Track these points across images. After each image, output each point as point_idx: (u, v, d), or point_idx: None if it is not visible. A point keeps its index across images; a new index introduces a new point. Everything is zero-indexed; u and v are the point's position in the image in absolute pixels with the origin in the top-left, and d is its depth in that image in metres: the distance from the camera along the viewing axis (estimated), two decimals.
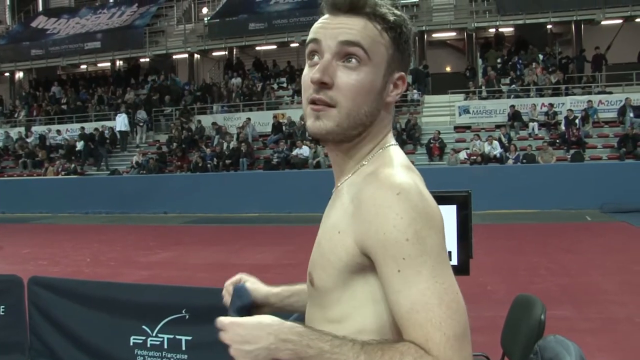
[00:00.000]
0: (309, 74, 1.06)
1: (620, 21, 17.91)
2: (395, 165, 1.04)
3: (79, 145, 19.15)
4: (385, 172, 1.01)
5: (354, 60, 1.03)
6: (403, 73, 1.09)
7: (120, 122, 18.92)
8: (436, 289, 0.92)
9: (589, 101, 15.55)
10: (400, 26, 1.07)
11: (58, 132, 20.11)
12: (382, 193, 0.96)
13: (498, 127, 15.81)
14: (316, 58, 1.07)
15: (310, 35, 1.08)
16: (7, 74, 24.66)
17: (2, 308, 4.01)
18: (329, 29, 1.05)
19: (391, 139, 1.12)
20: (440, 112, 17.22)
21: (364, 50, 1.03)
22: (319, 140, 1.10)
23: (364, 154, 1.10)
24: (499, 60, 18.40)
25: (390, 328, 1.01)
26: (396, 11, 1.08)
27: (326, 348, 0.94)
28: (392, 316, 0.98)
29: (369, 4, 1.05)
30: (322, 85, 1.03)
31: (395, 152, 1.09)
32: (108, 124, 19.41)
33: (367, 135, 1.09)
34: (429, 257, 0.93)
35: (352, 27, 1.04)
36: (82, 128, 19.58)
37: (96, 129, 19.22)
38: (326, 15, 1.08)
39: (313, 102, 1.05)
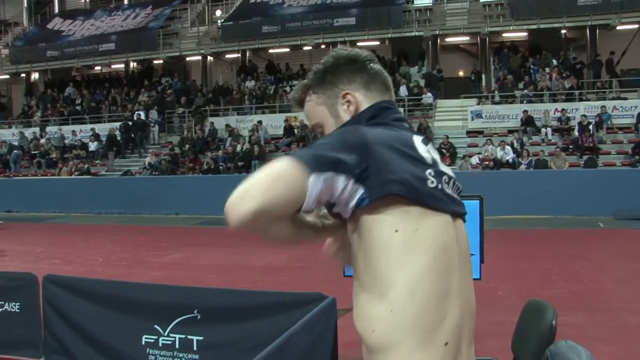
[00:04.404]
0: None
1: (636, 26, 17.73)
2: None
3: (92, 146, 19.40)
4: None
5: (319, 131, 1.44)
6: (345, 90, 1.40)
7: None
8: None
9: (603, 106, 15.43)
10: (321, 70, 1.42)
11: (73, 132, 20.31)
12: None
13: (511, 132, 15.73)
14: None
15: None
16: (23, 75, 24.96)
17: (18, 305, 4.07)
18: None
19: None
20: (452, 116, 17.18)
21: (316, 124, 1.44)
22: None
23: None
24: (506, 71, 18.29)
25: None
26: (323, 60, 1.43)
27: None
28: None
29: (300, 95, 1.46)
30: None
31: None
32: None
33: None
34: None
35: (306, 116, 1.47)
36: (93, 129, 19.87)
37: (130, 118, 19.66)
38: None
39: None
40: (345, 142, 1.19)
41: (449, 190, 1.29)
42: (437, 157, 1.33)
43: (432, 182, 1.24)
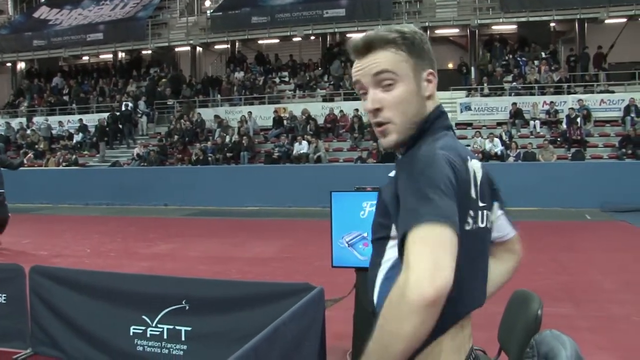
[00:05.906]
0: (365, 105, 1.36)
1: (624, 20, 17.84)
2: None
3: (77, 137, 19.24)
4: None
5: (387, 82, 1.30)
6: (430, 69, 1.34)
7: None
8: None
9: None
10: (410, 39, 1.32)
11: (60, 123, 20.10)
12: None
13: (499, 124, 15.80)
14: (367, 94, 1.34)
15: (353, 79, 1.37)
16: (8, 64, 24.64)
17: (4, 297, 4.04)
18: (362, 69, 1.33)
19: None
20: None
21: (391, 72, 1.30)
22: (394, 150, 1.38)
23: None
24: (496, 64, 18.30)
25: None
26: (404, 28, 1.33)
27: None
28: None
29: (378, 41, 1.31)
30: (376, 111, 1.32)
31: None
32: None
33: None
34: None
35: (376, 60, 1.31)
36: (81, 120, 19.69)
37: (118, 109, 19.42)
38: (355, 61, 1.35)
39: (377, 125, 1.34)
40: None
41: (482, 225, 1.38)
42: (479, 173, 1.42)
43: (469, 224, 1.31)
